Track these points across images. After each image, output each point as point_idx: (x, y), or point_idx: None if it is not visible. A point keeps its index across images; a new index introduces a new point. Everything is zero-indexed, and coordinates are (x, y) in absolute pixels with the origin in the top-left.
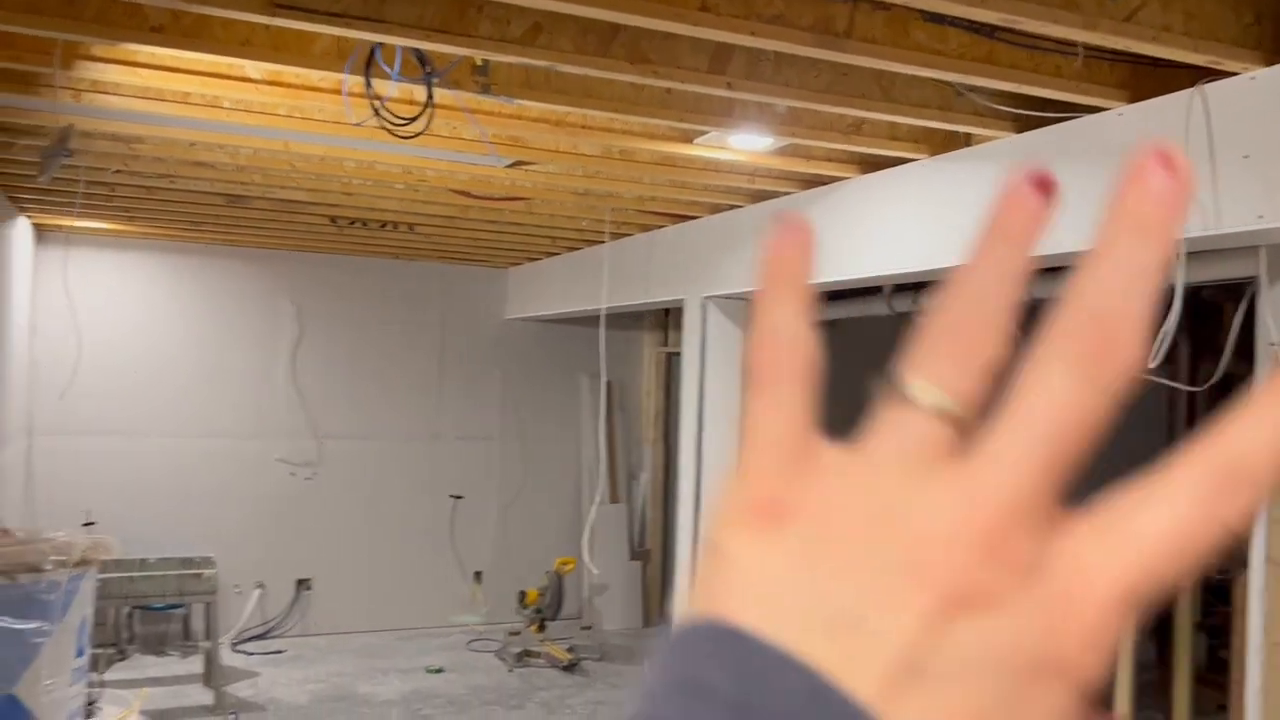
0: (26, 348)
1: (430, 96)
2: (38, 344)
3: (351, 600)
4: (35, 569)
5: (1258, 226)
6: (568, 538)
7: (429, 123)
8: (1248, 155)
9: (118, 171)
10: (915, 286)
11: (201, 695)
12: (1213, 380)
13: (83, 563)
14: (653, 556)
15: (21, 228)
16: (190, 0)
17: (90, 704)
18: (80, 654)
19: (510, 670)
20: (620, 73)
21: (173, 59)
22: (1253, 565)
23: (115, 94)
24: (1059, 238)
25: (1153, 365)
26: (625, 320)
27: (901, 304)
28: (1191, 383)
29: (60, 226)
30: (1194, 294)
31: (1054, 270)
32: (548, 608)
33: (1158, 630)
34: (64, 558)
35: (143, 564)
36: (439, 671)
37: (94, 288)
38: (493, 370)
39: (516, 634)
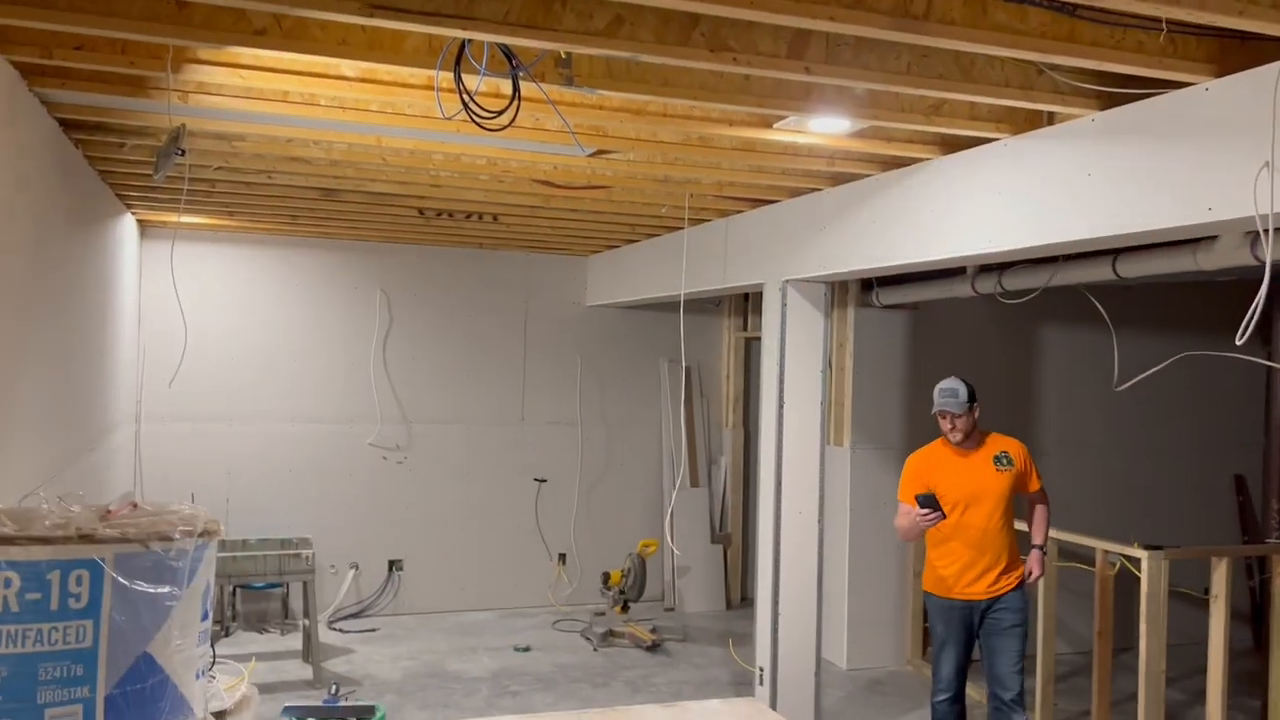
0: (135, 338)
1: (516, 89)
2: (144, 334)
3: (441, 581)
4: (166, 538)
5: None
6: (650, 520)
7: (515, 115)
8: None
9: (219, 169)
10: (999, 267)
11: (301, 670)
12: None
13: (206, 533)
14: (733, 540)
15: (128, 224)
16: (292, 4)
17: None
18: (205, 618)
19: (595, 650)
20: (700, 61)
21: (273, 60)
22: None
23: (219, 95)
24: (1149, 213)
25: (1239, 342)
26: (705, 306)
27: (985, 285)
28: None
29: (164, 222)
30: None
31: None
32: (631, 589)
33: (1254, 616)
34: (190, 528)
35: (244, 544)
36: (526, 650)
37: (195, 280)
38: (574, 356)
39: (601, 614)
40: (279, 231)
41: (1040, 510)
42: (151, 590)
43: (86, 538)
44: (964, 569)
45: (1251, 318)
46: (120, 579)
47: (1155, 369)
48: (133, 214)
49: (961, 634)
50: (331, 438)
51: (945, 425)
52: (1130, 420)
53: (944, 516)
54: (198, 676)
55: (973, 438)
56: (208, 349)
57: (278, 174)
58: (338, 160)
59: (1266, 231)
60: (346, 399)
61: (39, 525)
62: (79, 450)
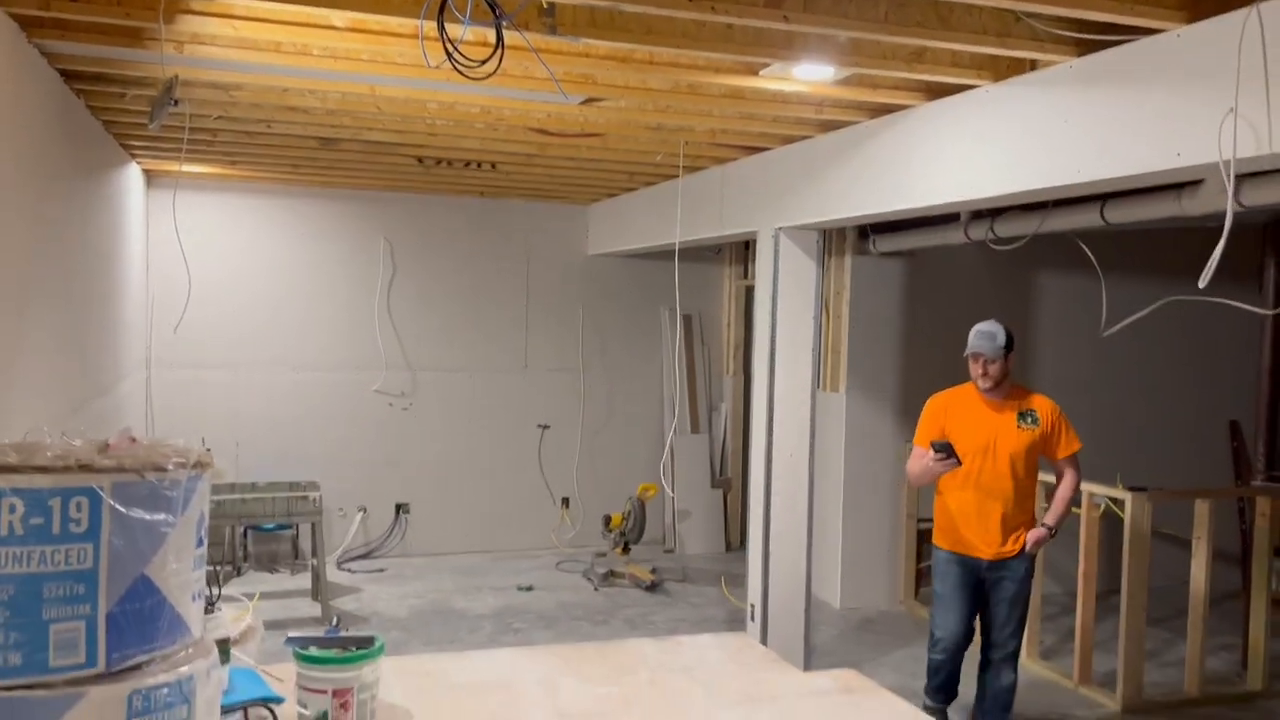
0: (144, 285)
1: (500, 38)
2: (152, 282)
3: (447, 523)
4: (160, 469)
5: None
6: (650, 465)
7: (500, 64)
8: None
9: (219, 118)
10: (991, 214)
11: (310, 608)
12: None
13: (199, 465)
14: (733, 484)
15: (134, 173)
16: None
17: (210, 605)
18: (200, 545)
19: (596, 589)
20: (680, 10)
21: (265, 10)
22: None
23: (213, 45)
24: (1122, 158)
25: (1202, 285)
26: (705, 254)
27: (977, 231)
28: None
29: (169, 171)
30: None
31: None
32: (631, 531)
33: (1244, 559)
34: (183, 460)
35: (253, 487)
36: (529, 590)
37: (201, 229)
38: (576, 304)
39: (602, 556)
40: (282, 181)
41: (1064, 486)
42: (148, 517)
43: (85, 468)
44: (970, 524)
45: (1213, 262)
46: (118, 506)
47: (1141, 313)
48: (138, 163)
49: (963, 591)
50: (337, 385)
51: (976, 370)
52: (1124, 366)
53: (958, 463)
54: (194, 599)
55: (1003, 388)
56: (214, 297)
57: (276, 123)
58: (334, 109)
59: (1230, 177)
60: (351, 347)
61: (41, 456)
62: (90, 395)
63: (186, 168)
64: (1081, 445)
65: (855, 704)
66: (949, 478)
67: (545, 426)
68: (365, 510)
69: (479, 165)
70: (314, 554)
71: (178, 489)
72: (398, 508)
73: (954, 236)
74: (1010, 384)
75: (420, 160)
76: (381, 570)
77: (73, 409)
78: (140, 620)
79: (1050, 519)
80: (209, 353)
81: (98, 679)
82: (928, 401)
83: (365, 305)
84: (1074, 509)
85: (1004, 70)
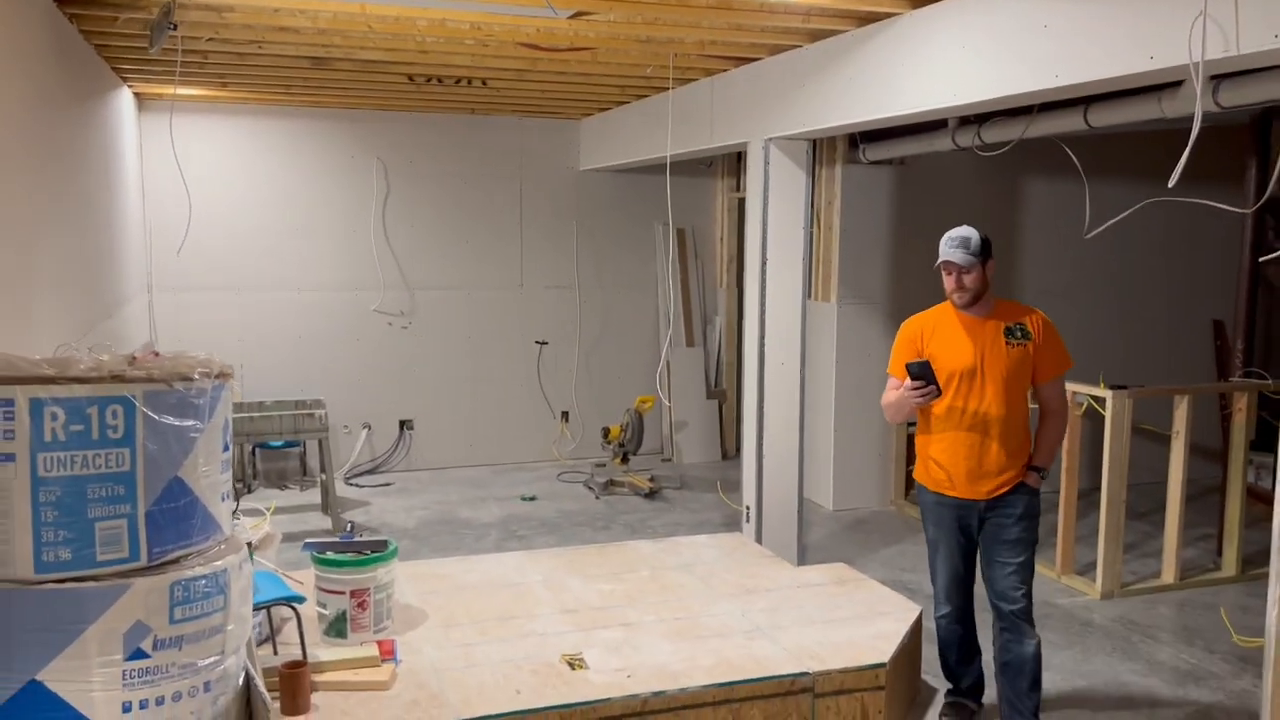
0: (141, 210)
1: None
2: (148, 207)
3: (450, 438)
4: (187, 378)
5: (1274, 46)
6: (647, 378)
7: None
8: None
9: (210, 39)
10: (978, 120)
11: (320, 521)
12: (1259, 203)
13: (221, 375)
14: (728, 396)
15: (126, 97)
16: None
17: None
18: (225, 449)
19: (597, 498)
20: None
21: None
22: None
23: None
24: (1099, 62)
25: (1170, 185)
26: (698, 168)
27: (964, 138)
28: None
29: (160, 95)
30: (1267, 116)
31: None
32: (629, 442)
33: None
34: (208, 370)
35: (260, 406)
36: (532, 499)
37: (195, 152)
38: (571, 221)
39: (602, 466)
40: (274, 101)
41: (1050, 420)
42: (178, 423)
43: (118, 378)
44: (960, 461)
45: (1182, 162)
46: (150, 413)
47: (1123, 215)
48: (129, 87)
49: (957, 538)
50: (337, 305)
51: (950, 283)
52: (1108, 269)
53: (939, 393)
54: (223, 499)
55: (985, 302)
56: (212, 220)
57: (268, 44)
58: (325, 29)
59: (1199, 78)
60: (350, 267)
61: (75, 369)
62: (98, 318)
63: (179, 90)
64: (1070, 366)
65: (846, 594)
66: (930, 409)
67: (543, 343)
68: (370, 427)
69: (470, 82)
70: (322, 469)
71: (204, 397)
72: (401, 424)
73: (942, 143)
74: (993, 297)
75: (411, 78)
76: (388, 484)
77: (83, 332)
78: (176, 518)
79: (1039, 456)
80: (209, 276)
81: (142, 571)
82: (901, 326)
83: (361, 225)
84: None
85: None
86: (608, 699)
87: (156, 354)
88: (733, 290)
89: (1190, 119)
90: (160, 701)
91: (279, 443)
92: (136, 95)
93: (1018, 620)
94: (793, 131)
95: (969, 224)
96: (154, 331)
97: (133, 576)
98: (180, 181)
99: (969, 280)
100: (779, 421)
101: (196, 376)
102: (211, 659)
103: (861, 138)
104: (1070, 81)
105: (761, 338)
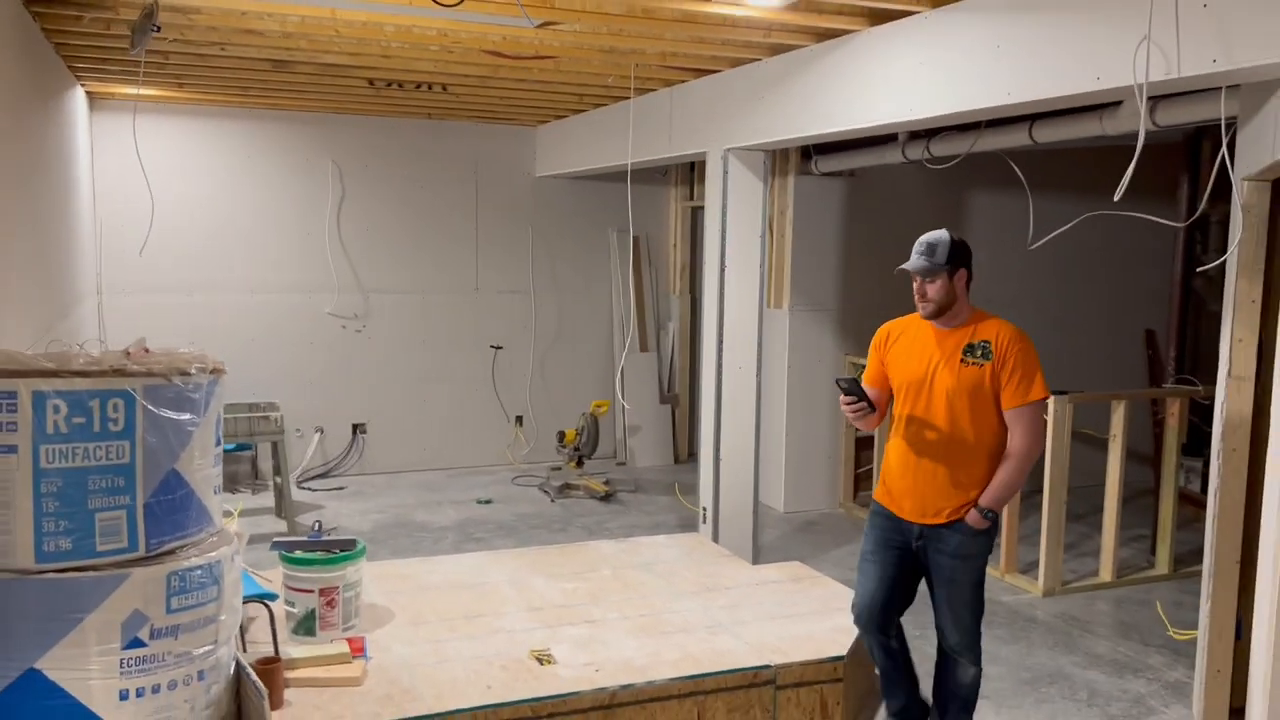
0: (92, 211)
1: None
2: (100, 208)
3: (404, 442)
4: (184, 373)
5: (1212, 70)
6: (602, 383)
7: None
8: (1206, 4)
9: (174, 40)
10: (927, 134)
11: (275, 524)
12: (1192, 219)
13: (214, 371)
14: (681, 400)
15: (79, 96)
16: None
17: None
18: (218, 444)
19: (553, 501)
20: None
21: None
22: (1219, 380)
23: None
24: (1048, 82)
25: (1116, 199)
26: (652, 176)
27: (914, 151)
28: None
29: (112, 94)
30: (1198, 135)
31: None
32: (585, 446)
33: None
34: (203, 365)
35: None
36: (488, 503)
37: (147, 153)
38: (525, 226)
39: (558, 469)
40: (229, 103)
41: (1009, 459)
42: (175, 417)
43: (118, 372)
44: (898, 477)
45: (1127, 177)
46: (149, 407)
47: (1065, 228)
48: (82, 86)
49: (885, 554)
50: (290, 308)
51: (917, 295)
52: (1049, 280)
53: (872, 409)
54: (215, 492)
55: (957, 314)
56: (163, 222)
57: (231, 45)
58: (291, 32)
59: (1143, 99)
60: (303, 270)
61: (75, 363)
62: (55, 318)
63: (135, 90)
64: (1045, 395)
65: (803, 590)
66: (895, 417)
67: (498, 347)
68: (322, 431)
69: (430, 87)
70: (276, 472)
71: (200, 391)
72: (354, 427)
73: (892, 156)
74: (970, 309)
75: (371, 82)
76: (341, 488)
77: (42, 332)
78: (173, 510)
79: (987, 496)
80: (160, 277)
81: (140, 561)
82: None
83: (315, 228)
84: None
85: None
86: (577, 692)
87: (147, 350)
88: (686, 296)
89: (1127, 136)
90: (156, 690)
91: (231, 445)
92: (89, 94)
93: (955, 654)
94: (752, 142)
95: (917, 234)
96: (104, 334)
97: (131, 566)
98: (132, 182)
99: (932, 290)
100: (736, 423)
101: (194, 371)
102: (206, 648)
103: (814, 149)
104: (1021, 99)
105: (720, 342)
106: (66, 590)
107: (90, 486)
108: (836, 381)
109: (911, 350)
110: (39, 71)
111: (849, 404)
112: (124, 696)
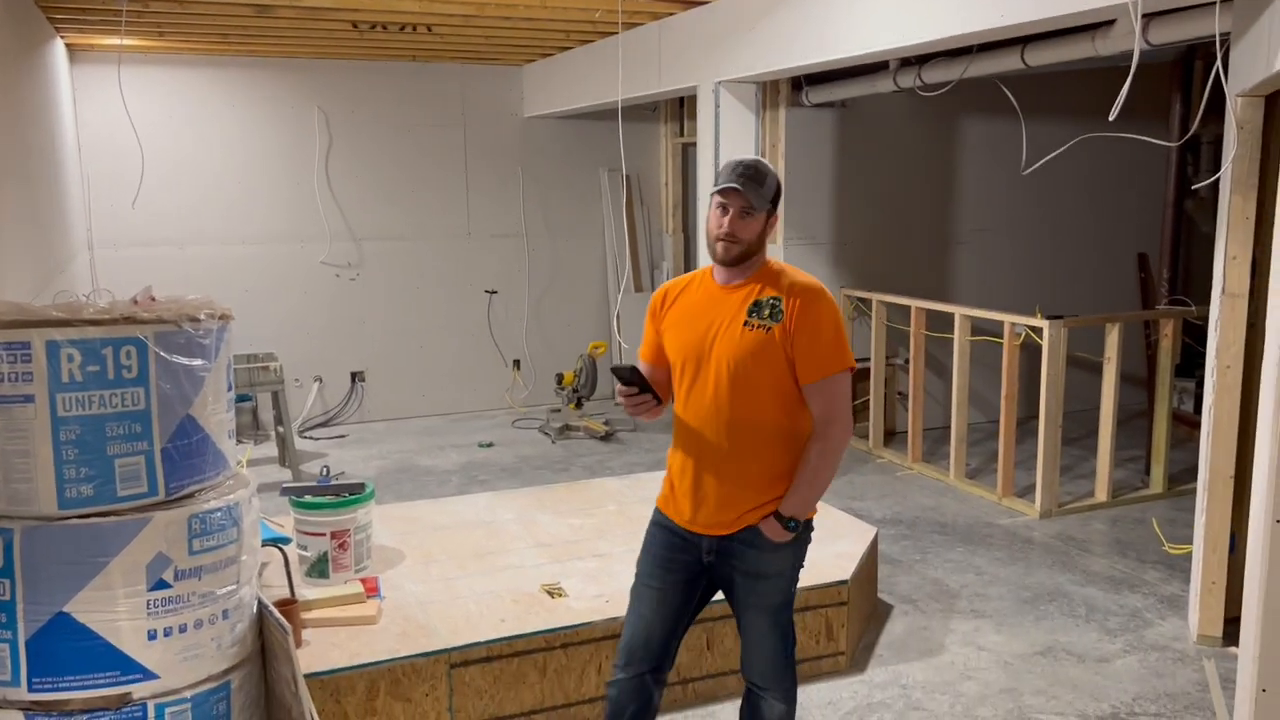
0: (79, 166)
1: None
2: (85, 162)
3: (403, 389)
4: (194, 319)
5: None
6: (598, 324)
7: None
8: None
9: None
10: (919, 61)
11: (280, 474)
12: (1185, 137)
13: (223, 317)
14: None
15: (59, 48)
16: None
17: None
18: (230, 389)
19: (553, 442)
20: None
21: None
22: (1213, 297)
23: None
24: (1033, 4)
25: (1111, 118)
26: (642, 112)
27: (905, 79)
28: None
29: (92, 46)
30: (1190, 55)
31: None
32: (583, 387)
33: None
34: (212, 311)
35: None
36: (490, 446)
37: (132, 105)
38: (515, 168)
39: (557, 411)
40: (211, 51)
41: (812, 445)
42: (187, 362)
43: (129, 320)
44: (678, 475)
45: (1122, 96)
46: (162, 353)
47: (1057, 151)
48: (62, 38)
49: (667, 578)
50: (284, 257)
51: (718, 224)
52: (1042, 205)
53: (658, 401)
54: (229, 436)
55: (752, 263)
56: (151, 174)
57: None
58: None
59: (1137, 16)
60: (295, 219)
61: (86, 312)
62: (51, 272)
63: (112, 41)
64: (849, 365)
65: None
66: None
67: (493, 292)
68: (321, 380)
69: (414, 28)
70: (278, 422)
71: (210, 337)
72: (353, 375)
73: (884, 84)
74: (767, 260)
75: (355, 25)
76: (343, 436)
77: (43, 284)
78: (189, 454)
79: (789, 504)
80: (152, 230)
81: (161, 505)
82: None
83: (304, 177)
84: (997, 339)
85: None
86: (589, 622)
87: (153, 298)
88: (679, 235)
89: (1120, 57)
90: (184, 629)
91: None
92: (69, 46)
93: (758, 690)
94: (742, 74)
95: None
96: (95, 287)
97: (152, 510)
98: (119, 135)
99: (745, 230)
100: None
101: (203, 318)
102: (228, 588)
103: (805, 80)
104: (1015, 21)
105: None
106: (90, 535)
107: (108, 433)
108: (613, 369)
109: (687, 314)
110: (19, 22)
111: (627, 395)
112: (152, 636)
